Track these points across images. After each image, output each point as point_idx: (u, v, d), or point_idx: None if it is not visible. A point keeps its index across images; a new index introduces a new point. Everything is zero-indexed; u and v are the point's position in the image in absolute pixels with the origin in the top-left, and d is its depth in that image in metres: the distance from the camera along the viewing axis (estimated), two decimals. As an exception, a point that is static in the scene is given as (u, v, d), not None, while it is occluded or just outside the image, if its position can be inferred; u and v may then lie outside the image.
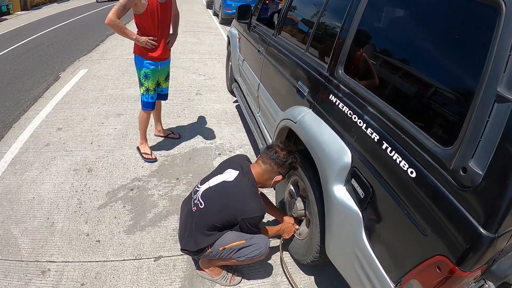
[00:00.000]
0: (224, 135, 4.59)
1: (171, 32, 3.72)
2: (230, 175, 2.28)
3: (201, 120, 5.01)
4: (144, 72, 3.59)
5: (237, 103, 5.60)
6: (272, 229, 2.52)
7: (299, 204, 2.60)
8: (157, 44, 3.48)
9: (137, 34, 3.43)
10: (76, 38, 12.19)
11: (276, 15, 4.45)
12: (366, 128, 1.74)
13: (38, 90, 6.47)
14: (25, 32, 15.10)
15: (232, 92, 5.84)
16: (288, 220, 2.64)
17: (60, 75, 7.38)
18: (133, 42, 3.43)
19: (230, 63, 6.01)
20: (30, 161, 3.95)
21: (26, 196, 3.38)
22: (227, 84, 6.25)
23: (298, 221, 2.67)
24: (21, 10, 31.94)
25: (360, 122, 1.80)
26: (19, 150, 4.21)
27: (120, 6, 3.14)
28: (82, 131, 4.59)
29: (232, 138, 4.51)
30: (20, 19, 24.37)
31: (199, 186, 2.39)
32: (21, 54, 10.12)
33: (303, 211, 2.58)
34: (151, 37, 3.40)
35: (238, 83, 4.96)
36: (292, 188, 2.73)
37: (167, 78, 3.94)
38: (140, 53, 3.52)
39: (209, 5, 22.02)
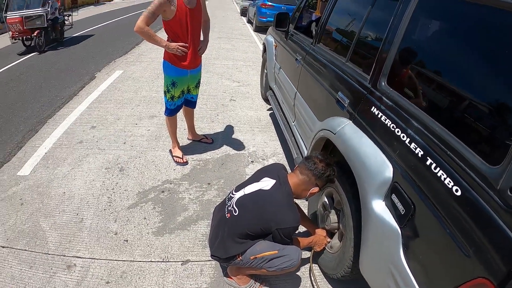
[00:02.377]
0: (258, 142, 4.65)
1: (201, 38, 3.75)
2: (267, 183, 2.31)
3: (235, 126, 5.09)
4: (173, 80, 3.64)
5: (271, 111, 5.66)
6: (304, 240, 2.53)
7: (333, 217, 2.60)
8: (187, 50, 3.49)
9: (167, 41, 3.47)
10: (113, 40, 12.61)
11: (313, 24, 4.50)
12: (410, 142, 1.74)
13: (73, 88, 6.77)
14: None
15: (266, 100, 5.94)
16: (320, 232, 2.64)
17: (96, 75, 7.68)
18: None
19: (265, 71, 6.09)
20: (63, 157, 4.12)
21: (57, 190, 3.52)
22: (261, 92, 6.34)
23: (330, 234, 2.67)
24: None
25: (403, 136, 1.79)
26: (52, 146, 4.41)
27: (149, 13, 3.20)
28: (116, 131, 4.76)
29: (265, 146, 4.56)
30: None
31: (234, 193, 2.42)
32: (58, 53, 10.55)
33: (337, 224, 2.58)
34: (182, 44, 3.42)
35: (273, 91, 5.02)
36: (326, 200, 2.73)
37: (197, 85, 4.00)
38: (170, 59, 3.54)
39: (243, 13, 22.40)
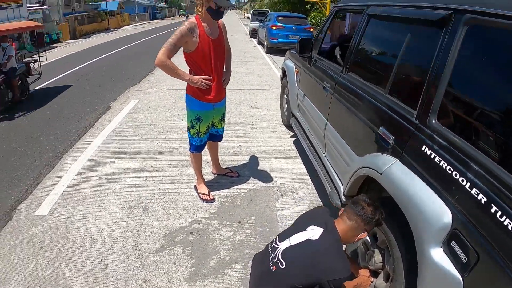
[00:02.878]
0: (285, 173, 4.52)
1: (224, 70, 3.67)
2: (314, 232, 2.19)
3: (259, 156, 4.98)
4: (197, 115, 3.53)
5: (295, 138, 5.57)
6: (349, 284, 2.39)
7: (377, 256, 2.46)
8: (211, 83, 3.38)
9: (190, 74, 3.38)
10: (125, 67, 12.76)
11: (337, 48, 4.42)
12: (471, 187, 1.61)
13: (89, 119, 6.77)
14: (74, 60, 16.01)
15: (288, 127, 5.86)
16: (364, 273, 2.50)
17: (111, 105, 7.69)
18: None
19: (285, 97, 6.03)
20: (82, 195, 4.02)
21: (78, 233, 3.39)
22: (282, 118, 6.27)
23: (374, 273, 2.54)
24: (70, 39, 34.44)
25: (462, 181, 1.67)
26: (71, 183, 4.32)
27: (170, 45, 3.12)
28: (136, 166, 4.68)
29: (293, 177, 4.43)
30: (69, 47, 26.02)
31: (278, 242, 2.30)
32: (71, 82, 10.63)
33: (381, 264, 2.44)
34: (205, 77, 3.32)
35: (297, 119, 4.93)
36: (368, 239, 2.60)
37: (222, 118, 3.91)
38: (194, 94, 3.44)
39: (253, 34, 22.74)
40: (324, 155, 3.69)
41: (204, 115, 3.56)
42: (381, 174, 2.27)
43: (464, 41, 1.87)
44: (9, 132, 6.50)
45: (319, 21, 25.03)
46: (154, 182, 4.26)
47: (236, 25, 32.40)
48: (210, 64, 3.34)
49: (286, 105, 6.05)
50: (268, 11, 26.05)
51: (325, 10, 23.73)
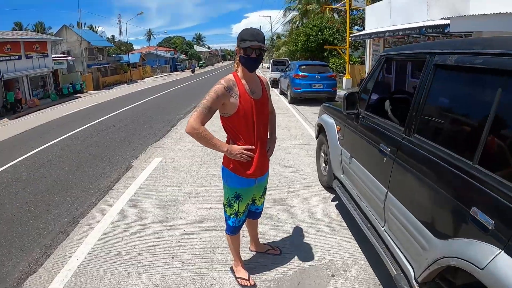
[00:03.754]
0: (332, 246, 3.95)
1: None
2: None
3: (301, 226, 4.42)
4: (236, 192, 3.01)
5: (337, 202, 5.06)
6: None
7: None
8: (254, 154, 2.87)
9: (227, 142, 2.91)
10: (147, 121, 12.70)
11: (387, 103, 4.00)
12: None
13: (109, 179, 6.48)
14: (96, 112, 16.30)
15: (327, 188, 5.39)
16: None
17: (132, 163, 7.41)
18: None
19: (323, 155, 5.63)
20: (99, 275, 3.53)
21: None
22: (320, 178, 5.78)
23: None
24: (94, 89, 35.88)
25: None
26: (86, 257, 3.88)
27: (204, 108, 2.65)
28: (161, 240, 4.18)
29: (342, 251, 3.85)
30: (92, 98, 26.81)
31: None
32: (92, 136, 10.67)
33: None
34: (247, 147, 2.82)
35: (340, 182, 4.47)
36: None
37: (263, 194, 3.38)
38: (232, 167, 2.92)
39: (274, 84, 22.86)
40: (383, 229, 3.18)
41: (244, 192, 3.03)
42: (481, 269, 1.76)
43: None
44: (23, 187, 6.29)
45: (339, 67, 25.23)
46: (183, 262, 3.71)
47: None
48: (252, 131, 2.84)
49: (324, 164, 5.62)
50: (287, 60, 26.40)
51: (344, 56, 23.95)
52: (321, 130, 5.61)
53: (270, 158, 3.21)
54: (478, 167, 2.01)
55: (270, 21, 58.44)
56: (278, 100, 16.65)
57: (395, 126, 3.13)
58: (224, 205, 3.17)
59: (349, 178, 4.18)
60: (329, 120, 5.08)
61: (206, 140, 2.70)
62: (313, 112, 13.24)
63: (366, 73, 22.76)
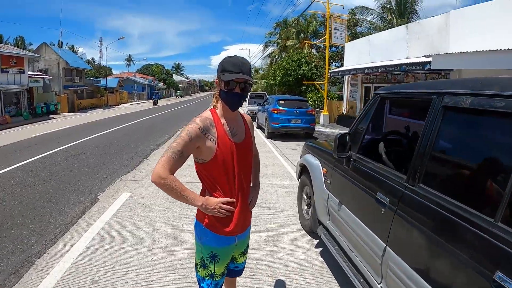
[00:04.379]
0: (320, 303, 3.52)
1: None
2: None
3: (283, 279, 3.95)
4: (212, 252, 2.41)
5: (321, 248, 4.68)
6: None
7: None
8: (234, 208, 2.34)
9: (203, 193, 2.39)
10: (119, 150, 12.21)
11: (381, 145, 3.68)
12: None
13: (72, 213, 5.97)
14: (68, 135, 15.81)
15: (310, 233, 5.03)
16: None
17: (99, 197, 6.90)
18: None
19: (305, 197, 5.31)
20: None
21: None
22: (301, 222, 5.40)
23: None
24: (68, 111, 35.09)
25: None
26: (38, 308, 3.33)
27: (173, 153, 2.14)
28: (125, 291, 3.68)
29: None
30: (66, 120, 26.12)
31: None
32: (59, 162, 10.15)
33: None
34: (226, 200, 2.30)
35: (327, 229, 4.10)
36: None
37: (245, 252, 2.75)
38: (208, 223, 2.36)
39: (251, 118, 22.55)
40: (380, 286, 2.81)
41: (222, 252, 2.43)
42: None
43: None
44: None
45: (316, 102, 25.40)
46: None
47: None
48: (232, 180, 2.33)
49: (306, 207, 5.29)
50: (265, 94, 26.41)
51: (322, 91, 24.16)
52: (303, 170, 5.30)
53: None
54: (502, 225, 1.73)
55: (249, 54, 58.71)
56: (255, 135, 16.35)
57: (394, 173, 2.83)
58: (197, 264, 2.52)
59: (337, 226, 3.83)
60: (313, 161, 4.75)
61: (176, 192, 2.15)
62: (291, 148, 13.02)
63: (343, 109, 22.94)
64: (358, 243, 3.23)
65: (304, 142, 5.74)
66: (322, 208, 4.26)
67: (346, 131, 3.76)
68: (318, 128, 17.47)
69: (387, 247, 2.68)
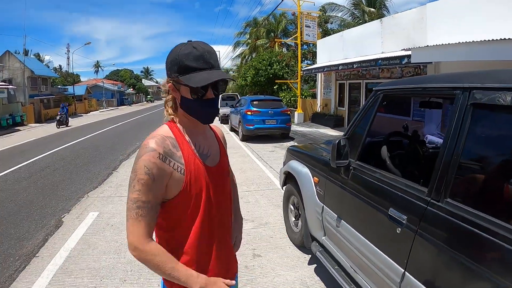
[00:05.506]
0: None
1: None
2: None
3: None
4: None
5: (315, 265, 4.22)
6: None
7: None
8: (212, 256, 1.67)
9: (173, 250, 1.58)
10: (86, 163, 11.51)
11: (384, 149, 3.22)
12: None
13: (33, 241, 5.30)
14: (33, 149, 15.22)
15: (302, 247, 4.56)
16: None
17: (63, 219, 6.25)
18: None
19: (291, 207, 4.86)
20: None
21: None
22: (289, 236, 4.92)
23: None
24: (35, 122, 33.79)
25: None
26: None
27: (138, 209, 1.45)
28: None
29: None
30: (32, 132, 25.13)
31: None
32: (21, 179, 9.45)
33: None
34: (228, 281, 1.58)
35: (322, 245, 3.65)
36: None
37: None
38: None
39: (223, 120, 22.18)
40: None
41: None
42: None
43: None
44: None
45: (289, 101, 25.13)
46: None
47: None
48: (207, 219, 1.61)
49: (294, 219, 4.83)
50: (237, 95, 25.94)
51: (295, 90, 23.94)
52: (288, 178, 4.84)
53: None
54: None
55: (218, 56, 57.80)
56: (229, 137, 15.82)
57: (409, 185, 2.39)
58: None
59: (336, 244, 3.38)
60: (301, 168, 4.27)
61: (162, 268, 1.46)
62: (267, 150, 12.60)
63: (317, 107, 22.73)
64: (365, 264, 2.78)
65: (287, 147, 5.31)
66: (315, 222, 3.80)
67: (343, 136, 3.30)
68: (293, 127, 17.13)
69: (405, 272, 2.25)
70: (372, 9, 28.03)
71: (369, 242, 2.70)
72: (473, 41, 8.33)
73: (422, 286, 2.08)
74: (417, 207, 2.21)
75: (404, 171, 2.87)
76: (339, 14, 31.08)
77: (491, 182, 2.05)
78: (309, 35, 22.57)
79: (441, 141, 5.03)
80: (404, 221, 2.28)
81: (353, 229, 2.96)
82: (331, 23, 32.96)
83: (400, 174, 2.79)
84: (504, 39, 7.50)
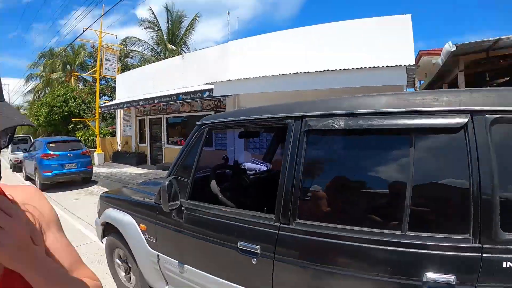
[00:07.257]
0: None
1: None
2: None
3: None
4: None
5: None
6: None
7: None
8: None
9: None
10: None
11: (213, 183, 3.19)
12: None
13: None
14: None
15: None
16: None
17: None
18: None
19: (119, 262, 4.34)
20: None
21: None
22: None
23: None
24: None
25: None
26: None
27: None
28: None
29: None
30: None
31: None
32: None
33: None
34: None
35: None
36: None
37: None
38: None
39: (16, 167, 19.63)
40: None
41: None
42: None
43: None
44: None
45: (88, 141, 23.76)
46: None
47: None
48: None
49: (124, 273, 4.28)
50: (30, 137, 23.07)
51: (93, 128, 22.70)
52: (106, 229, 4.32)
53: None
54: (410, 233, 1.76)
55: (8, 91, 50.62)
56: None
57: (251, 214, 2.44)
58: None
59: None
60: (122, 217, 3.83)
61: None
62: (71, 199, 11.28)
63: (118, 145, 21.91)
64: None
65: (100, 194, 4.77)
66: (152, 273, 3.46)
67: (167, 175, 3.16)
68: (95, 169, 15.84)
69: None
70: (173, 47, 28.47)
71: (225, 281, 2.59)
72: (268, 75, 9.54)
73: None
74: (269, 235, 2.23)
75: (240, 202, 2.89)
76: (140, 49, 30.52)
77: (330, 195, 2.22)
78: (108, 69, 21.57)
79: (259, 166, 5.28)
80: (258, 251, 2.26)
81: (202, 272, 2.79)
82: (131, 58, 32.18)
83: (235, 205, 2.81)
84: (296, 73, 9.07)
